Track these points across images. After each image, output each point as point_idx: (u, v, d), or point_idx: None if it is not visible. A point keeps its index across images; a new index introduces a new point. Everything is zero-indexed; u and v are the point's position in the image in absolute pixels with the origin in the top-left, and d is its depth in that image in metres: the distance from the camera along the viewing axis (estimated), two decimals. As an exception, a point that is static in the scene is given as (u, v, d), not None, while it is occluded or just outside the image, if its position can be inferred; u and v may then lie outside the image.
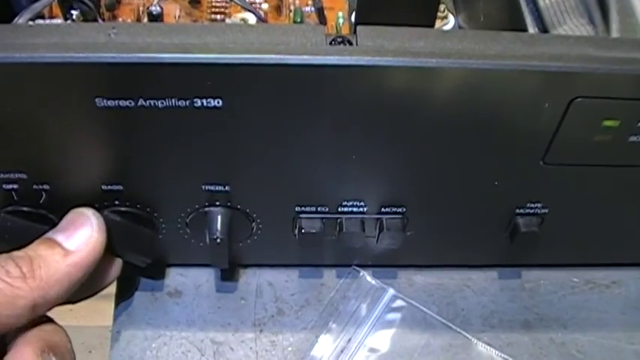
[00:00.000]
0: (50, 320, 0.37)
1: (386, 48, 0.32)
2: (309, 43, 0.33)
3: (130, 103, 0.32)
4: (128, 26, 0.33)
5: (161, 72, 0.31)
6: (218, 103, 0.32)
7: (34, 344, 0.34)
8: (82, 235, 0.36)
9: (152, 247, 0.41)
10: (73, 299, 0.37)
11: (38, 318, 0.35)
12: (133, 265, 0.41)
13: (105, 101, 0.32)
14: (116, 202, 0.38)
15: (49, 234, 0.37)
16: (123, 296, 0.44)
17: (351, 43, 0.33)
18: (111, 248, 0.39)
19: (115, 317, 0.43)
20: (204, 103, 0.32)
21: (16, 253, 0.35)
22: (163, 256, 0.44)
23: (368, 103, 0.33)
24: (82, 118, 0.33)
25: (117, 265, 0.41)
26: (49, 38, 0.32)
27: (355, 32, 0.34)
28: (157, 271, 0.45)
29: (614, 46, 0.35)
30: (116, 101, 0.32)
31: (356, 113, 0.34)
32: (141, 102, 0.32)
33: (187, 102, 0.32)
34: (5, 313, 0.33)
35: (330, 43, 0.33)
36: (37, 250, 0.35)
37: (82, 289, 0.37)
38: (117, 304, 0.43)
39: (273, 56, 0.31)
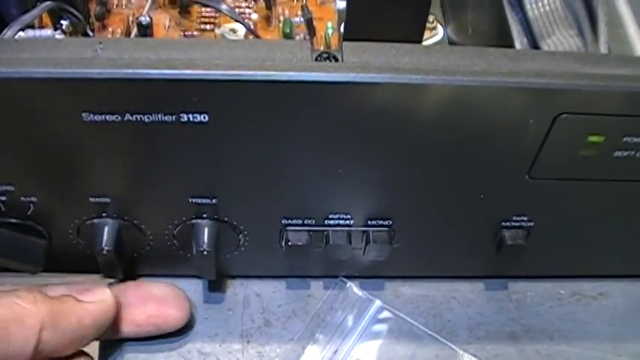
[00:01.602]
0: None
1: (371, 64, 0.33)
2: (295, 59, 0.33)
3: (117, 117, 0.32)
4: (115, 41, 0.34)
5: (147, 87, 0.31)
6: (204, 118, 0.33)
7: None
8: (95, 294, 0.38)
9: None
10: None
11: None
12: None
13: (91, 116, 0.32)
14: (103, 214, 0.38)
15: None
16: None
17: (336, 59, 0.33)
18: None
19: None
20: (191, 118, 0.33)
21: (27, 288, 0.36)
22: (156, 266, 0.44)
23: (354, 118, 0.33)
24: (68, 133, 0.33)
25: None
26: (35, 53, 0.32)
27: (341, 47, 0.34)
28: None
29: (600, 63, 0.35)
30: (103, 116, 0.32)
31: (342, 128, 0.34)
32: (127, 117, 0.32)
33: (173, 117, 0.32)
34: (13, 330, 0.33)
35: (316, 59, 0.33)
36: (52, 291, 0.37)
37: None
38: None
39: (258, 72, 0.31)
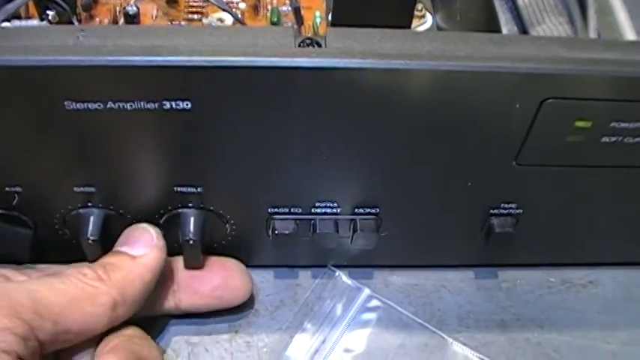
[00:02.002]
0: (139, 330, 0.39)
1: (355, 50, 0.32)
2: (278, 45, 0.33)
3: (99, 105, 0.32)
4: (97, 29, 0.33)
5: (129, 75, 0.31)
6: (187, 105, 0.32)
7: (120, 354, 0.36)
8: (144, 242, 0.38)
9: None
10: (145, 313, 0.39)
11: (125, 325, 0.37)
12: None
13: (74, 104, 0.32)
14: (89, 204, 0.38)
15: (113, 249, 0.39)
16: None
17: (320, 45, 0.33)
18: None
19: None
20: (173, 106, 0.32)
21: (87, 264, 0.37)
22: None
23: (338, 104, 0.33)
24: (51, 121, 0.33)
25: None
26: (17, 41, 0.32)
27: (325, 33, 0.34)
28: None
29: (586, 47, 0.35)
30: (85, 104, 0.32)
31: (326, 115, 0.34)
32: (110, 104, 0.32)
33: (156, 104, 0.32)
34: (87, 309, 0.34)
35: (299, 45, 0.33)
36: (106, 259, 0.38)
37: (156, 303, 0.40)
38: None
39: (240, 58, 0.31)
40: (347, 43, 0.33)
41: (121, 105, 0.32)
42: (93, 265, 0.37)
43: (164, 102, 0.32)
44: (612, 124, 0.35)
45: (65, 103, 0.32)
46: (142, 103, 0.32)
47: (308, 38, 0.33)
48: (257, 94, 0.32)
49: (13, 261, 0.40)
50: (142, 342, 0.38)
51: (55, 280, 0.35)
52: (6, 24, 0.41)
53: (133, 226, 0.39)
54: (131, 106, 0.32)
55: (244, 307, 0.43)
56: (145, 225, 0.39)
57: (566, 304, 0.45)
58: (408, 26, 0.42)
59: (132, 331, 0.38)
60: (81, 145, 0.35)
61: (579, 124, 0.35)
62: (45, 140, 0.34)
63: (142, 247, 0.38)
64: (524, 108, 0.34)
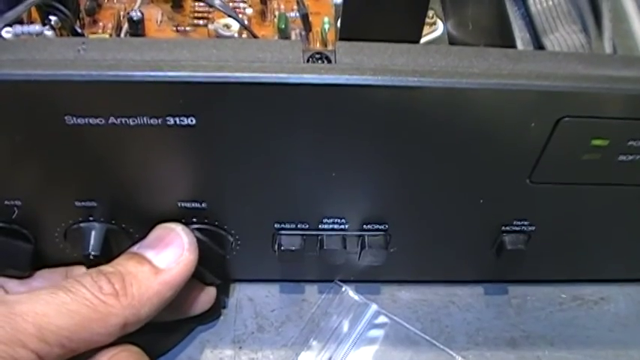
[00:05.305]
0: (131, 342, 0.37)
1: (365, 65, 0.31)
2: (285, 61, 0.31)
3: (101, 121, 0.31)
4: (98, 42, 0.32)
5: (132, 90, 0.30)
6: (191, 121, 0.31)
7: None
8: (172, 253, 0.36)
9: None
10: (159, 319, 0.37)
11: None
12: None
13: (75, 119, 0.31)
14: (90, 218, 0.37)
15: (137, 249, 0.36)
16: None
17: (329, 60, 0.32)
18: None
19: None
20: (177, 122, 0.31)
21: (106, 269, 0.35)
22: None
23: (347, 121, 0.32)
24: (51, 136, 0.32)
25: (210, 294, 0.41)
26: (16, 54, 0.31)
27: (335, 48, 0.32)
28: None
29: (603, 64, 0.33)
30: (86, 119, 0.31)
31: (335, 131, 0.33)
32: (112, 120, 0.31)
33: (160, 120, 0.31)
34: (97, 330, 0.33)
35: (308, 60, 0.32)
36: (127, 266, 0.35)
37: (173, 311, 0.38)
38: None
39: (247, 74, 0.30)
40: (357, 58, 0.32)
41: (123, 120, 0.31)
42: (111, 275, 0.34)
43: (168, 118, 0.31)
44: (630, 143, 0.34)
45: (66, 117, 0.31)
46: (144, 119, 0.31)
47: (317, 53, 0.32)
48: (264, 111, 0.31)
49: (14, 275, 0.40)
50: (136, 350, 0.36)
51: (65, 299, 0.32)
52: (7, 29, 0.40)
53: (166, 227, 0.37)
54: (134, 121, 0.31)
55: (248, 322, 0.42)
56: (179, 229, 0.37)
57: (577, 321, 0.45)
58: (418, 40, 0.41)
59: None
60: (82, 160, 0.34)
61: (596, 142, 0.34)
62: (45, 154, 0.33)
63: (169, 259, 0.36)
64: (539, 126, 0.33)
